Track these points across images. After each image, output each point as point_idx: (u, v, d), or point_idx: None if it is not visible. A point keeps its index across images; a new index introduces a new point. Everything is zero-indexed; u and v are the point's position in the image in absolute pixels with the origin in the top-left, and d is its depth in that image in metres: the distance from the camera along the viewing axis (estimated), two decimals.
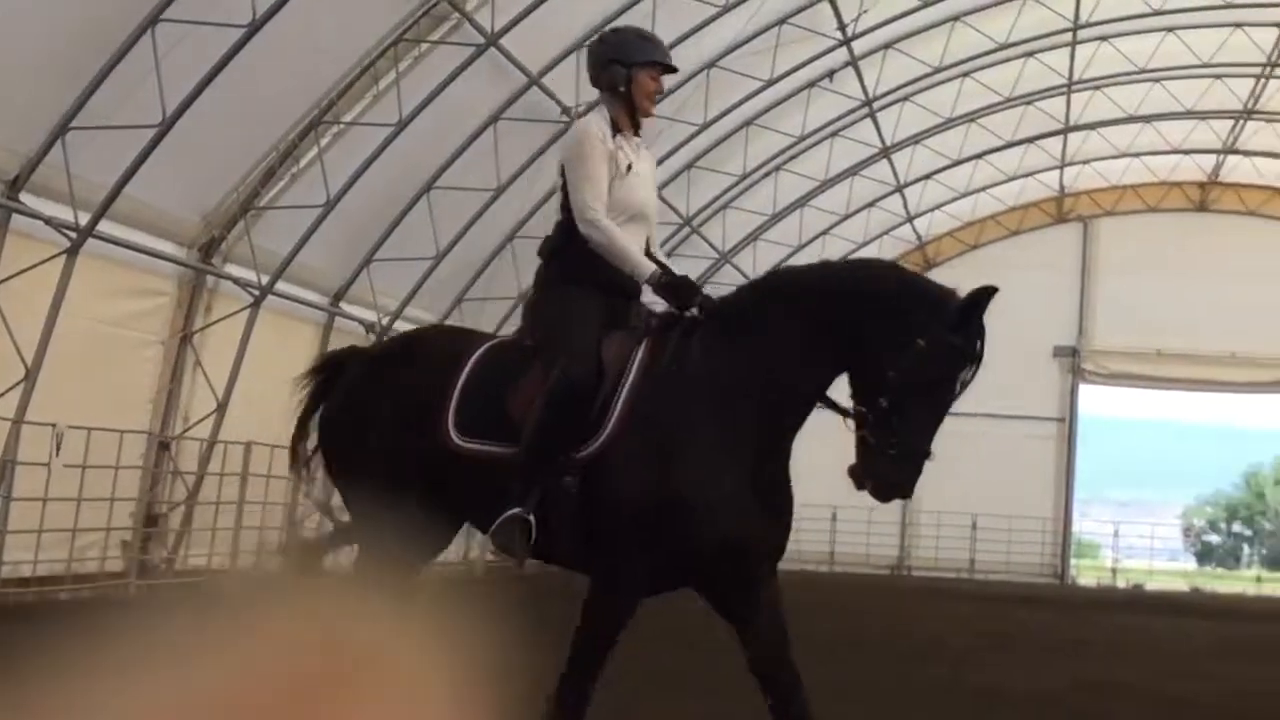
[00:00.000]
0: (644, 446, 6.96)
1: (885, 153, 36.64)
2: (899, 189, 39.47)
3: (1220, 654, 19.79)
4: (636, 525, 6.86)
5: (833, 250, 40.99)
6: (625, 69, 7.73)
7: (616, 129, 7.76)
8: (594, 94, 8.21)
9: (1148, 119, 38.74)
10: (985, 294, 7.12)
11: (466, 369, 7.39)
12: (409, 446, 7.35)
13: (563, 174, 7.63)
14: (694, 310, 7.28)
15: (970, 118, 36.45)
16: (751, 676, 7.07)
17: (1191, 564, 72.30)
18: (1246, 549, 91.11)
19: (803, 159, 34.72)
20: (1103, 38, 34.32)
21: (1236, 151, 42.06)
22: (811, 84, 31.51)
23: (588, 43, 8.38)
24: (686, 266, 32.35)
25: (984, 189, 42.11)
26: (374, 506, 7.37)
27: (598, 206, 7.42)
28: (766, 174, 34.69)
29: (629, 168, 7.68)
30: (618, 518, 6.92)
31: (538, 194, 27.11)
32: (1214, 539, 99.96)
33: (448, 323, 27.88)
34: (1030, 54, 34.29)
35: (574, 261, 7.49)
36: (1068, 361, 44.81)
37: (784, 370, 7.01)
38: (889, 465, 6.81)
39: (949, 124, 36.10)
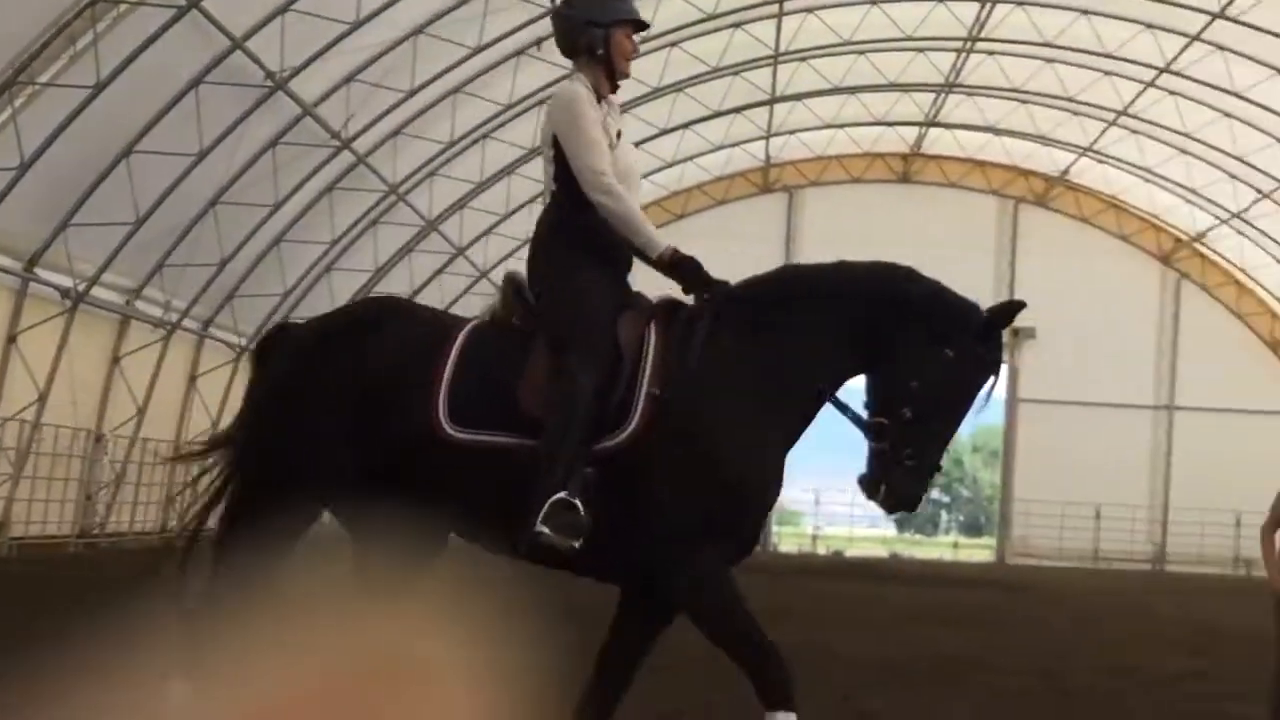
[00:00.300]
0: (685, 436, 6.61)
1: None
2: None
3: (916, 618, 20.09)
4: (703, 515, 6.57)
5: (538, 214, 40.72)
6: (602, 29, 7.28)
7: (598, 94, 7.25)
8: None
9: (852, 90, 39.23)
10: (1015, 307, 6.93)
11: (453, 354, 6.75)
12: (378, 434, 6.69)
13: (554, 145, 7.04)
14: (705, 295, 6.91)
15: (677, 87, 36.41)
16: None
17: (891, 530, 73.73)
18: (944, 515, 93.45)
19: (511, 127, 34.29)
20: (809, 9, 34.58)
21: (938, 124, 42.87)
22: (520, 51, 31.11)
23: (555, 9, 7.65)
24: (393, 235, 32.11)
25: (691, 158, 42.24)
26: (308, 499, 6.74)
27: (609, 171, 6.94)
28: (474, 142, 34.22)
29: (619, 134, 7.28)
30: (678, 509, 6.56)
31: (240, 160, 26.35)
32: None
33: (147, 290, 27.05)
34: (738, 25, 34.40)
35: (578, 236, 6.97)
36: None
37: (816, 368, 6.81)
38: (905, 477, 6.71)
39: (656, 93, 36.00)
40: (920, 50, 36.94)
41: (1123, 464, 43.40)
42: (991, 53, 37.31)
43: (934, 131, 43.70)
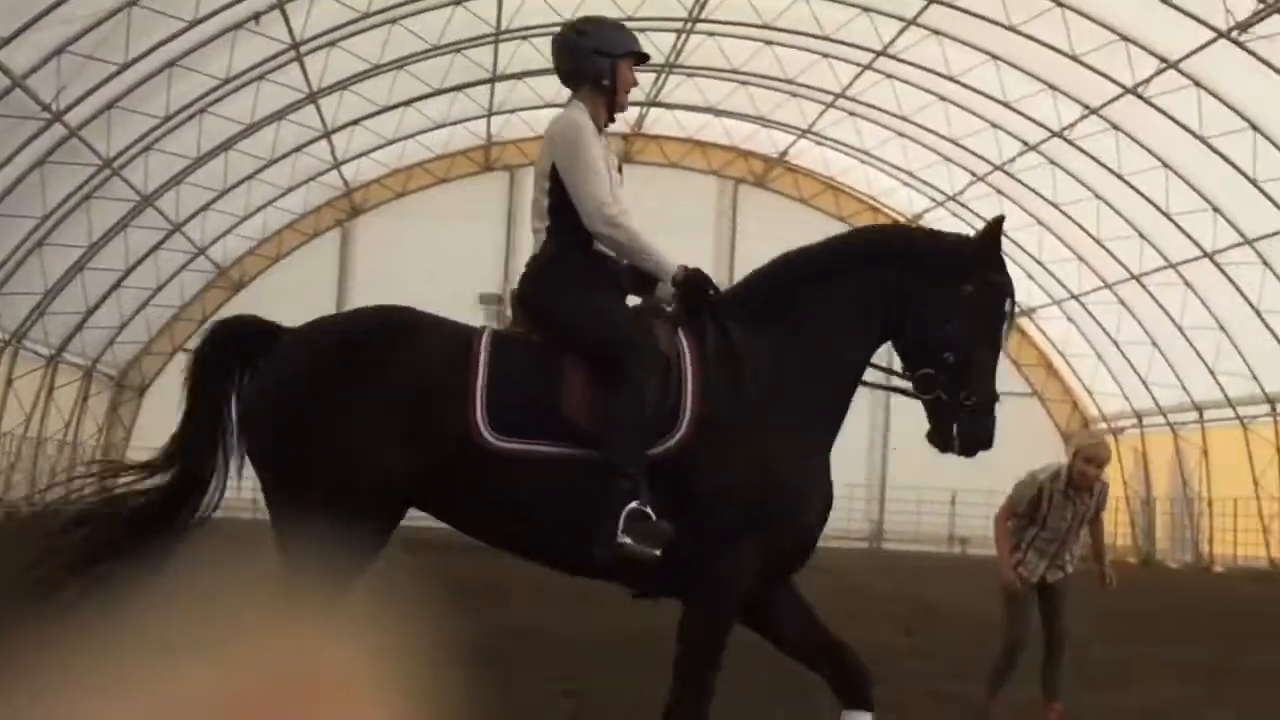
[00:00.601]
0: (734, 438, 6.56)
1: (312, 98, 35.77)
2: (326, 134, 38.72)
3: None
4: (748, 516, 6.52)
5: (259, 195, 40.00)
6: (609, 60, 7.08)
7: (596, 125, 7.08)
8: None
9: None
10: (1000, 222, 7.09)
11: (482, 362, 6.54)
12: (415, 442, 6.42)
13: (551, 176, 6.87)
14: (710, 292, 6.89)
15: (399, 64, 35.93)
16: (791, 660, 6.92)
17: None
18: None
19: (227, 102, 33.49)
20: None
21: (659, 104, 43.00)
22: (237, 26, 30.31)
23: (558, 34, 7.30)
24: (106, 210, 30.94)
25: (412, 136, 41.84)
26: (337, 506, 6.30)
27: (613, 202, 6.81)
28: (190, 116, 33.29)
29: (619, 167, 7.22)
30: (729, 510, 6.52)
31: None
32: None
33: None
34: (458, 2, 34.04)
35: (579, 269, 6.87)
36: (494, 309, 44.99)
37: (847, 346, 6.87)
38: (971, 419, 6.77)
39: (377, 70, 35.51)
40: (641, 30, 36.79)
41: (840, 442, 43.94)
42: (711, 34, 37.48)
43: (655, 112, 43.82)
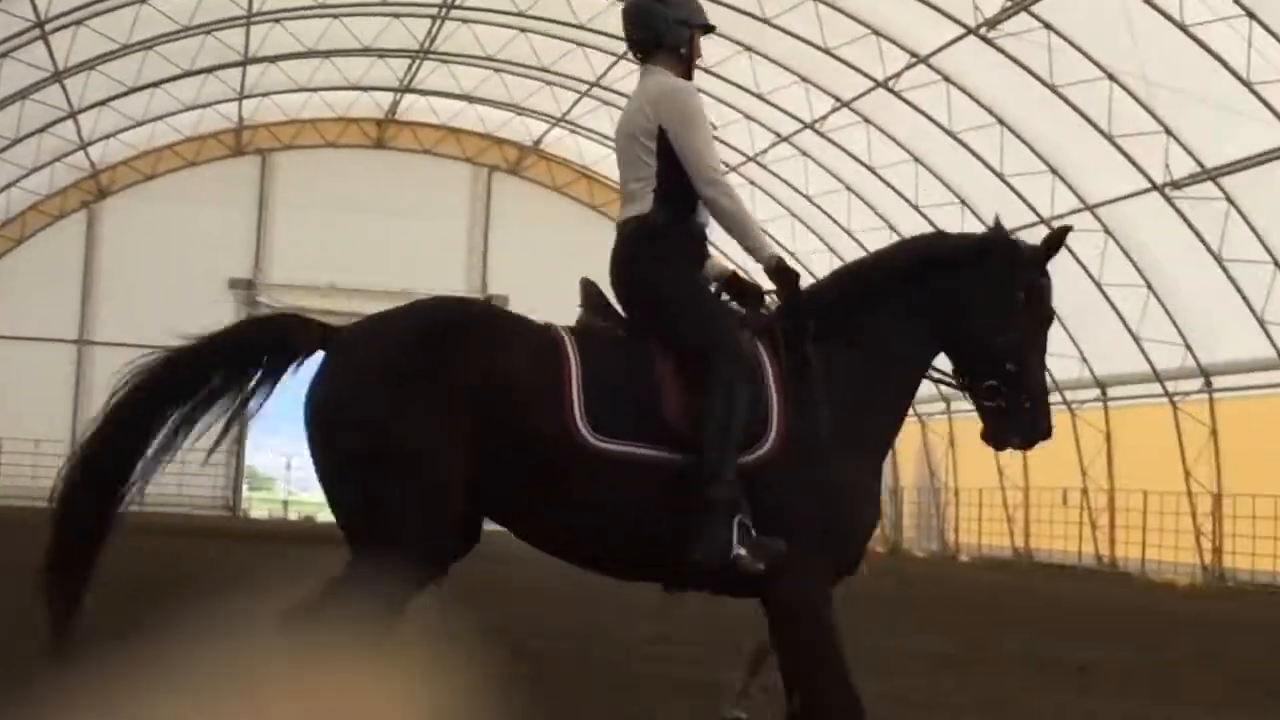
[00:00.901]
0: (814, 456, 6.51)
1: (58, 77, 35.01)
2: (72, 115, 37.89)
3: None
4: (826, 536, 6.55)
5: (2, 175, 39.09)
6: (689, 31, 7.04)
7: None
8: None
9: (327, 54, 38.82)
10: (1064, 233, 7.06)
11: (573, 359, 6.34)
12: (502, 440, 6.20)
13: (657, 137, 6.77)
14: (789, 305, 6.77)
15: (148, 44, 35.30)
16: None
17: None
18: None
19: None
20: None
21: (413, 90, 42.86)
22: None
23: (640, 3, 7.14)
24: None
25: (161, 118, 41.14)
26: (420, 507, 6.13)
27: (721, 169, 6.82)
28: None
29: None
30: (807, 528, 6.47)
31: None
32: None
33: None
34: None
35: (680, 243, 6.86)
36: (243, 294, 44.57)
37: (916, 357, 6.94)
38: (1030, 418, 6.88)
39: (125, 50, 34.86)
40: (396, 16, 36.82)
41: None
42: (466, 20, 37.44)
43: (409, 98, 43.68)
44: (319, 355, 6.42)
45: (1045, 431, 6.94)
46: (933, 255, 7.05)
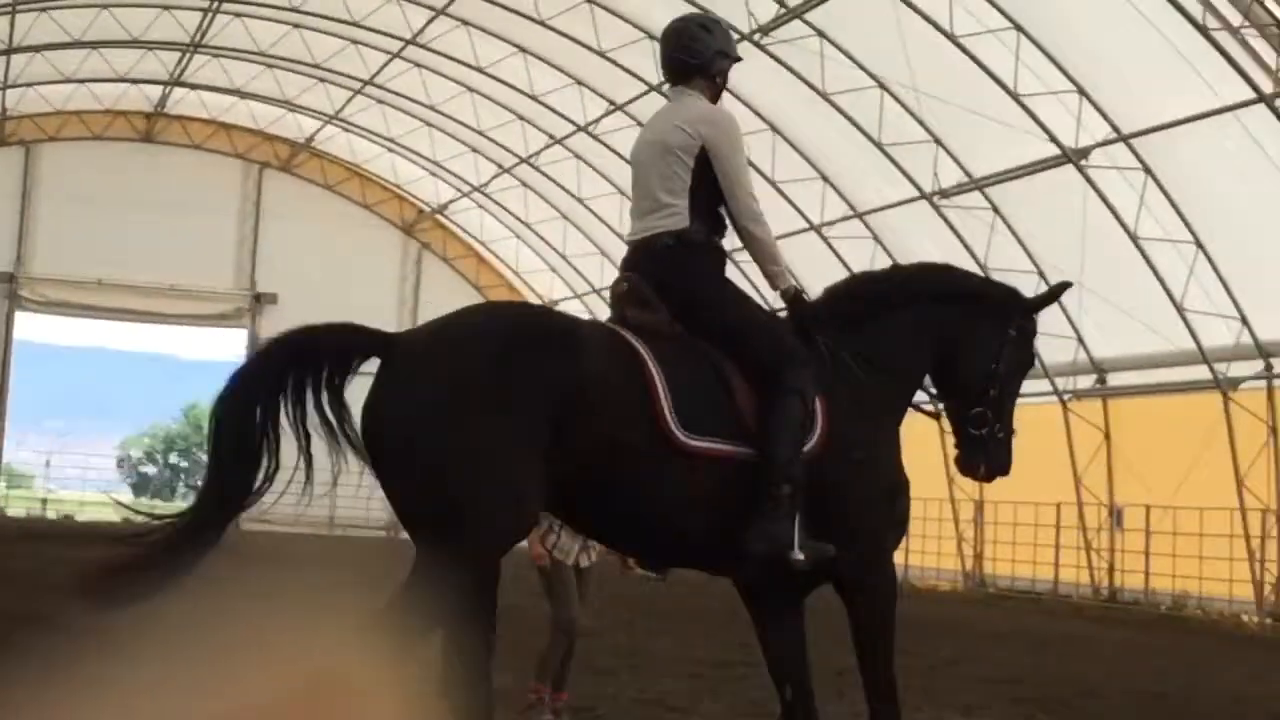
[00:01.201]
0: (852, 456, 6.93)
1: None
2: None
3: None
4: (889, 510, 7.06)
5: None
6: (727, 62, 7.43)
7: None
8: None
9: (95, 45, 38.05)
10: (1063, 288, 7.87)
11: (651, 361, 6.62)
12: (586, 441, 6.37)
13: (699, 160, 7.09)
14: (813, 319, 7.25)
15: None
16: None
17: (128, 494, 72.38)
18: (183, 480, 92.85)
19: None
20: None
21: (183, 84, 42.21)
22: None
23: (681, 26, 7.45)
24: None
25: None
26: (499, 514, 6.27)
27: (757, 197, 7.26)
28: None
29: None
30: (878, 504, 7.02)
31: None
32: (151, 470, 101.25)
33: None
34: None
35: (720, 259, 7.22)
36: (5, 288, 43.63)
37: (915, 370, 7.44)
38: (1000, 449, 7.48)
39: None
40: (166, 8, 36.24)
41: None
42: (239, 14, 36.89)
43: (179, 91, 42.99)
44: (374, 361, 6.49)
45: (1008, 465, 7.55)
46: (945, 282, 7.68)
